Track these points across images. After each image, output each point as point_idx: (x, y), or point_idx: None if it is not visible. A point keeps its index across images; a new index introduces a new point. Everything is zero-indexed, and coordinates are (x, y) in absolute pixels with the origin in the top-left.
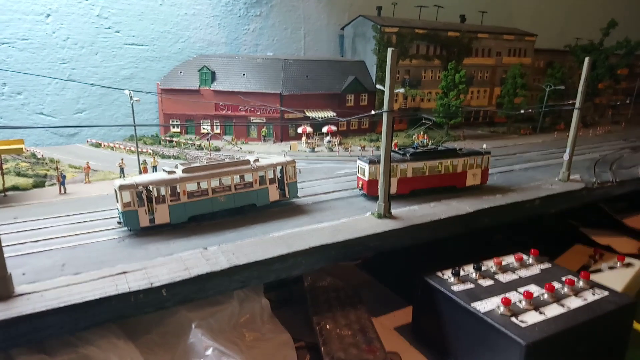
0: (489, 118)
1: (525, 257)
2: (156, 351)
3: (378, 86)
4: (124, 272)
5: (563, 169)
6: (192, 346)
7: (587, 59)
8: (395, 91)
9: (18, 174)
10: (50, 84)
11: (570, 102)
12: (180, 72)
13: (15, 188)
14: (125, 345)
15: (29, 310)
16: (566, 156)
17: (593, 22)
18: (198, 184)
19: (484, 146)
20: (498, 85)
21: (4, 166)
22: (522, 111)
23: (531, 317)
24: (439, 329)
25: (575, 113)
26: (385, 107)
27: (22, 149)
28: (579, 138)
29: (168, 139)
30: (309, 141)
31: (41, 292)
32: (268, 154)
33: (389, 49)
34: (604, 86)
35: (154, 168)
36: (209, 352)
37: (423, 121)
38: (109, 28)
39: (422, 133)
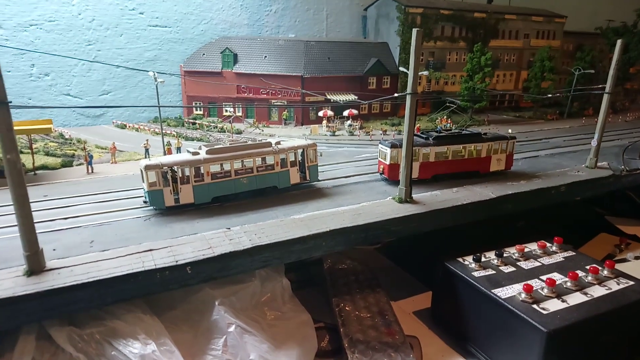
0: (515, 102)
1: (548, 244)
2: (180, 326)
3: (401, 68)
4: (150, 250)
5: (590, 156)
6: (215, 323)
7: (619, 42)
8: (419, 73)
9: (47, 154)
10: (76, 66)
11: (600, 86)
12: (203, 54)
13: (44, 167)
14: (151, 320)
15: (60, 284)
16: (594, 142)
17: (626, 3)
18: (221, 165)
19: (509, 131)
20: (525, 68)
21: (34, 146)
22: (549, 95)
23: (553, 305)
24: (458, 314)
25: (605, 98)
26: (408, 89)
27: (50, 128)
28: (608, 124)
29: (191, 121)
30: (329, 125)
31: (71, 267)
32: (289, 137)
33: (413, 29)
34: (635, 70)
35: (178, 149)
36: (232, 329)
37: (447, 104)
38: (133, 9)
39: (445, 117)
